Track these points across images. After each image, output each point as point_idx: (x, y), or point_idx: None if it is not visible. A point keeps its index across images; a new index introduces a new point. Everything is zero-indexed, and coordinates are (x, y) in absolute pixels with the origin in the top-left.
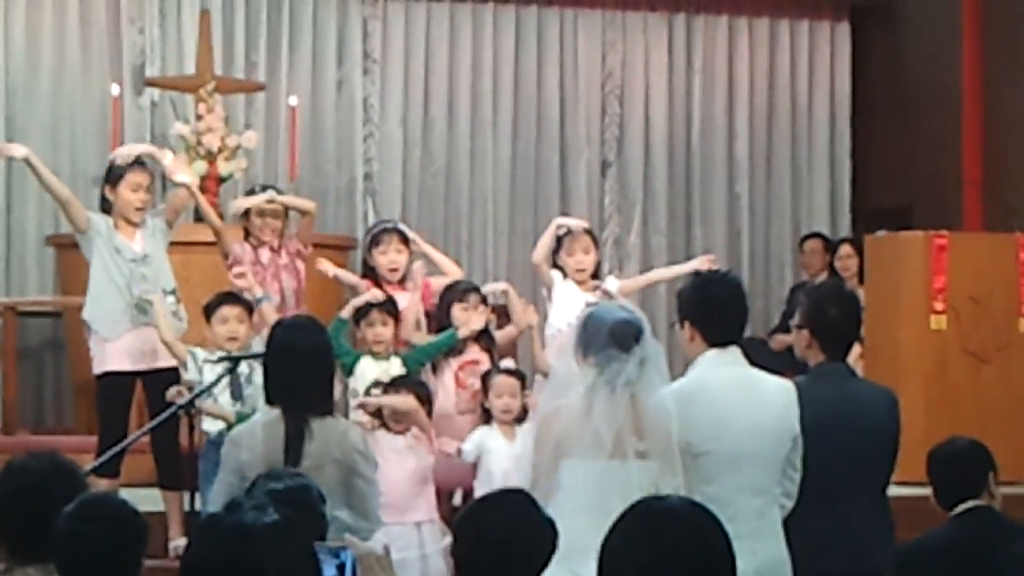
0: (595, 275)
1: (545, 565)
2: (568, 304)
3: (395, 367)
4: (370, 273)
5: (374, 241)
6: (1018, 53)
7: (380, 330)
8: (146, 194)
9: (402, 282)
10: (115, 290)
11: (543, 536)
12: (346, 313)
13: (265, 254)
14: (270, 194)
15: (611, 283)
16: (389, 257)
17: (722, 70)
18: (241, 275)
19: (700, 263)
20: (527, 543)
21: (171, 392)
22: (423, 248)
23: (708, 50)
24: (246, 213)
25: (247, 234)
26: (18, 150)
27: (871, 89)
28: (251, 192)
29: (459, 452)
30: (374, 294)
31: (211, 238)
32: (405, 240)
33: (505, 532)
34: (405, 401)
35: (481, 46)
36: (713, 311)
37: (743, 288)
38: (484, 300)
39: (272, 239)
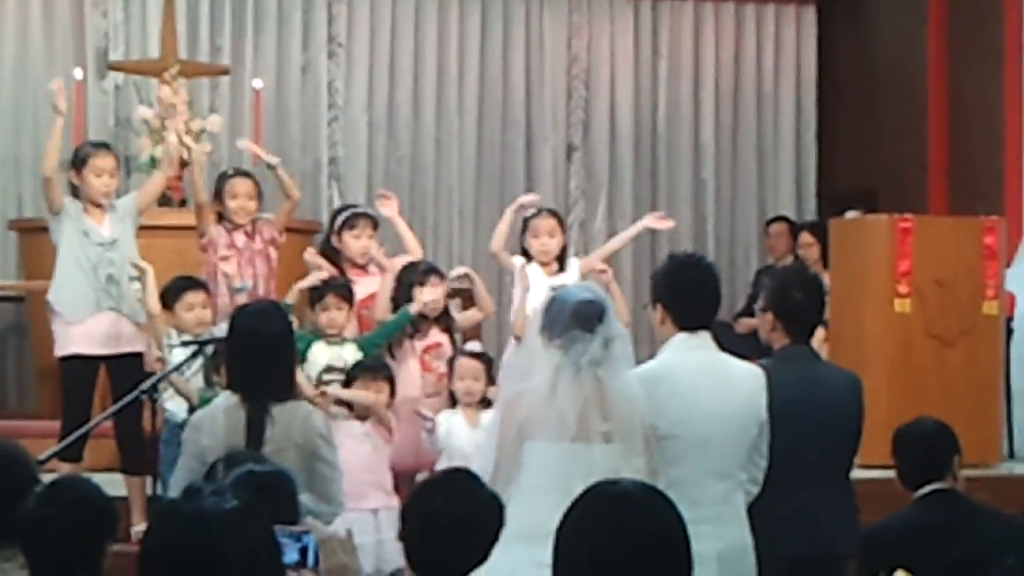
0: (560, 259)
1: (494, 541)
2: (533, 289)
3: (349, 352)
4: (331, 254)
5: (348, 224)
6: (983, 38)
7: (334, 314)
8: (111, 178)
9: (364, 267)
10: (81, 273)
11: (489, 513)
12: (291, 298)
13: (240, 238)
14: (277, 160)
15: (572, 264)
16: (362, 242)
17: (688, 55)
18: (226, 259)
19: (650, 221)
20: (474, 522)
21: (149, 358)
22: (397, 225)
23: (674, 35)
24: (219, 194)
25: (220, 217)
26: (61, 100)
27: (837, 74)
28: (223, 176)
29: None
30: (319, 274)
31: (174, 222)
32: (375, 226)
33: (451, 513)
34: (366, 396)
35: (447, 30)
36: (685, 296)
37: (717, 273)
38: (443, 279)
39: (246, 222)
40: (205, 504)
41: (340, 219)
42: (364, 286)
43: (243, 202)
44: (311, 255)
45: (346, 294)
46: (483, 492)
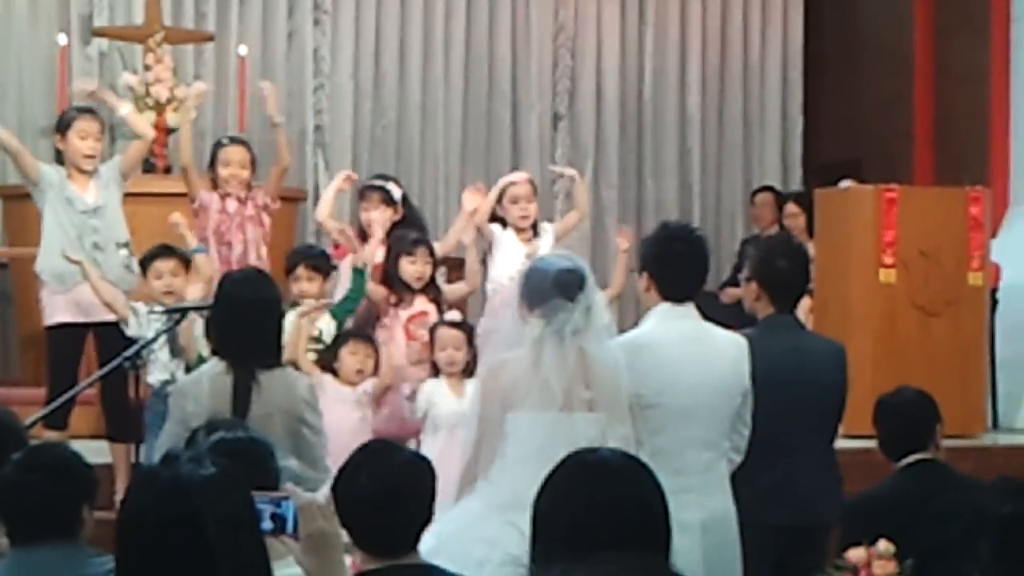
0: (534, 226)
1: (431, 502)
2: (508, 257)
3: (323, 321)
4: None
5: (360, 195)
6: (969, 9)
7: (305, 286)
8: (95, 141)
9: (386, 239)
10: (66, 242)
11: (414, 477)
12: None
13: (232, 204)
14: (282, 119)
15: (546, 228)
16: (369, 214)
17: (674, 24)
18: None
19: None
20: (401, 490)
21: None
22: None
23: (660, 4)
24: (212, 162)
25: (214, 184)
26: None
27: (823, 44)
28: (218, 143)
29: (412, 395)
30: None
31: (158, 189)
32: (389, 200)
33: (376, 486)
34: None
35: None
36: (672, 267)
37: (706, 246)
38: (431, 251)
39: (238, 190)
40: (182, 471)
41: (358, 191)
42: (377, 255)
43: (235, 170)
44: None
45: (320, 264)
46: (402, 459)
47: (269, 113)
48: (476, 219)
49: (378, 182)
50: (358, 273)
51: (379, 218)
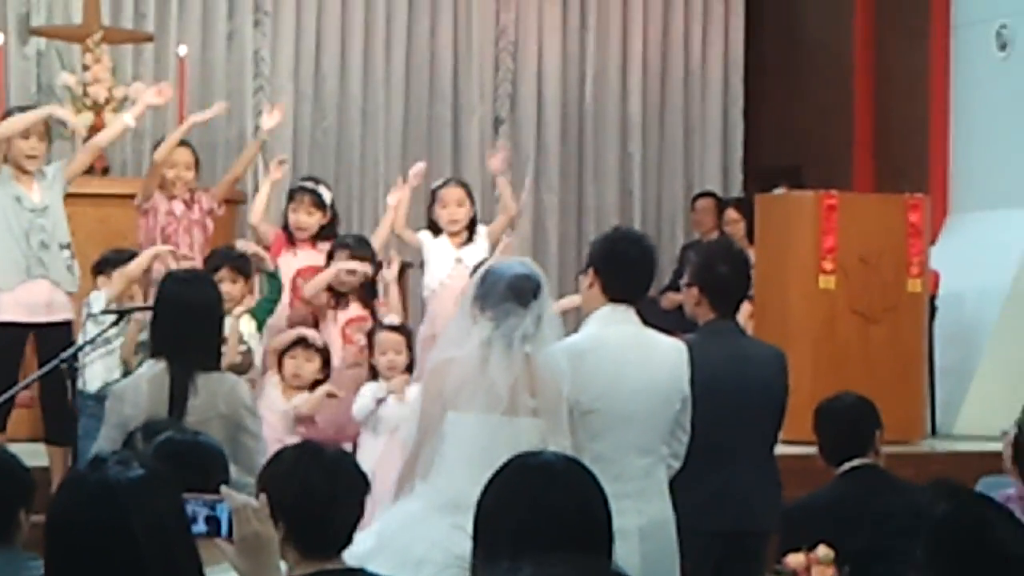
0: (470, 228)
1: (363, 495)
2: (441, 262)
3: (243, 322)
4: (286, 227)
5: (290, 196)
6: (909, 16)
7: (227, 287)
8: (39, 141)
9: (313, 241)
10: (12, 240)
11: (343, 473)
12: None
13: (179, 206)
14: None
15: (481, 232)
16: (297, 216)
17: (616, 29)
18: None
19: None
20: (331, 490)
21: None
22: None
23: (602, 8)
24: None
25: (160, 186)
26: None
27: (764, 49)
28: (158, 144)
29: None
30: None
31: (98, 191)
32: (319, 203)
33: (307, 490)
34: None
35: (374, 0)
36: (621, 268)
37: (655, 255)
38: (359, 257)
39: (182, 192)
40: (110, 473)
41: (288, 192)
42: (305, 257)
43: (180, 172)
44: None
45: (242, 266)
46: (330, 457)
47: (267, 128)
48: (395, 226)
49: (310, 184)
50: (271, 276)
51: (308, 222)
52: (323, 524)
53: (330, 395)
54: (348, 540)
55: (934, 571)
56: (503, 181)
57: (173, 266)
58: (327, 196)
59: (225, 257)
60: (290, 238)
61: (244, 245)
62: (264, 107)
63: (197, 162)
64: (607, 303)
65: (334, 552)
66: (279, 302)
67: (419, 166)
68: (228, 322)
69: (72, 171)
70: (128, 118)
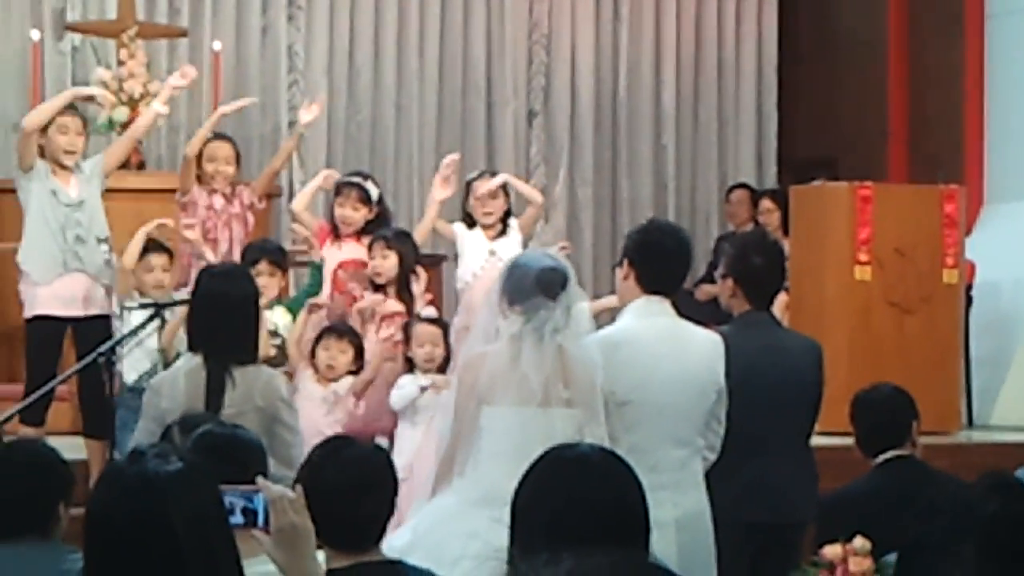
0: (504, 221)
1: (394, 492)
2: (475, 254)
3: (278, 315)
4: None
5: (336, 190)
6: (944, 6)
7: (265, 280)
8: (77, 136)
9: (358, 235)
10: (49, 234)
11: (376, 467)
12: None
13: (219, 201)
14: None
15: (513, 225)
16: (343, 211)
17: (649, 20)
18: (190, 227)
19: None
20: (365, 482)
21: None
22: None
23: (635, 0)
24: (199, 159)
25: (199, 180)
26: None
27: (798, 41)
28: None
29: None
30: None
31: (135, 186)
32: (366, 198)
33: (340, 482)
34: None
35: None
36: (655, 259)
37: (691, 247)
38: (396, 250)
39: (223, 186)
40: (148, 466)
41: (335, 186)
42: (348, 250)
43: (220, 166)
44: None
45: (279, 260)
46: (364, 450)
47: (305, 123)
48: (431, 211)
49: (356, 179)
50: (316, 268)
51: (354, 217)
52: (349, 518)
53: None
54: (381, 533)
55: (984, 565)
56: (512, 180)
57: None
58: (374, 192)
59: (263, 250)
60: (335, 231)
61: (299, 230)
62: (303, 102)
63: (238, 156)
64: (643, 295)
65: (370, 545)
66: (318, 295)
67: (451, 157)
68: (266, 314)
69: (109, 164)
70: (157, 106)
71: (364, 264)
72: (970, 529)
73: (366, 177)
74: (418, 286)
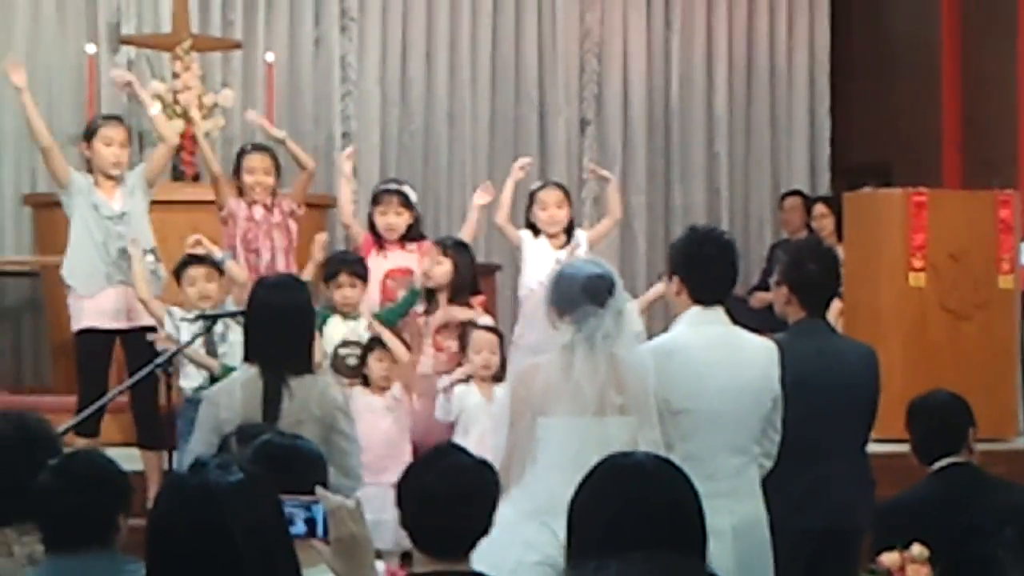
0: (568, 232)
1: (492, 510)
2: (540, 262)
3: (363, 327)
4: (372, 229)
5: (375, 200)
6: (997, 11)
7: (348, 292)
8: (120, 148)
9: (402, 242)
10: (93, 247)
11: (481, 482)
12: (307, 274)
13: (259, 211)
14: (283, 133)
15: (580, 235)
16: (387, 219)
17: (700, 28)
18: (197, 243)
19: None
20: (467, 493)
21: (158, 336)
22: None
23: (687, 8)
24: (237, 170)
25: (240, 192)
26: (17, 76)
27: (851, 48)
28: (241, 151)
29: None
30: (319, 240)
31: (189, 197)
32: (407, 203)
33: (443, 487)
34: (403, 352)
35: (459, 4)
36: (702, 269)
37: (735, 248)
38: (452, 258)
39: (263, 197)
40: (210, 477)
41: (372, 195)
42: (395, 259)
43: (260, 177)
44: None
45: (360, 271)
46: (471, 462)
47: (271, 136)
48: (497, 218)
49: (394, 186)
50: (412, 293)
51: (400, 222)
52: (450, 523)
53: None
54: (472, 545)
55: None
56: (614, 184)
57: (201, 252)
58: (413, 196)
59: (343, 262)
60: (377, 240)
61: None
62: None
63: (277, 166)
64: (695, 305)
65: (459, 554)
66: (404, 315)
67: (524, 160)
68: (351, 326)
69: (151, 172)
70: (155, 109)
71: (410, 271)
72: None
73: (400, 183)
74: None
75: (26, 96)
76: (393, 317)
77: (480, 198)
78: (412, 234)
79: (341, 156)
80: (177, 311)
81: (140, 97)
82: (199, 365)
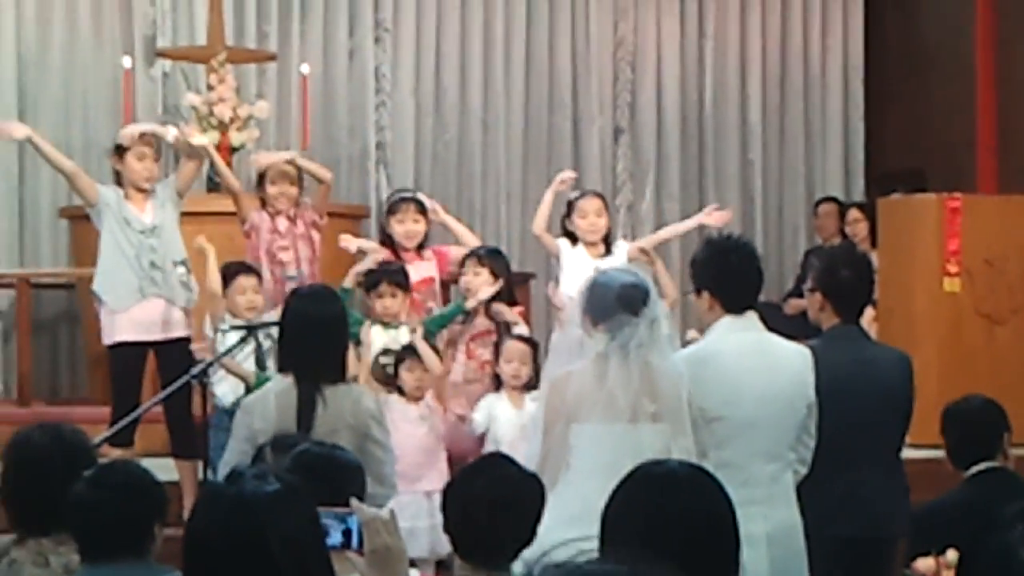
0: (606, 240)
1: (537, 520)
2: (578, 271)
3: (404, 336)
4: (388, 241)
5: (391, 210)
6: None
7: (389, 302)
8: (152, 163)
9: (419, 251)
10: (124, 261)
11: (528, 492)
12: (349, 282)
13: (282, 223)
14: (292, 154)
15: (620, 246)
16: (406, 227)
17: (734, 36)
18: (284, 248)
19: (705, 217)
20: (513, 502)
21: (201, 346)
22: (443, 218)
23: (720, 16)
24: (260, 181)
25: (263, 203)
26: (19, 131)
27: (884, 54)
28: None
29: (468, 420)
30: (375, 256)
31: (223, 208)
32: (423, 210)
33: (490, 495)
34: (436, 363)
35: (493, 14)
36: (729, 279)
37: (756, 253)
38: (489, 267)
39: (287, 208)
40: (246, 487)
41: (386, 205)
42: (417, 270)
43: (283, 188)
44: (346, 240)
45: (401, 280)
46: (519, 473)
47: (284, 161)
48: (535, 228)
49: (409, 194)
50: (458, 306)
51: (418, 229)
52: (494, 532)
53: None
54: (515, 556)
55: None
56: (660, 267)
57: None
58: (428, 202)
59: (384, 272)
60: (394, 251)
61: (347, 243)
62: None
63: (301, 178)
64: (727, 315)
65: (502, 563)
66: (451, 323)
67: (567, 174)
68: (392, 335)
69: (181, 184)
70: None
71: (432, 280)
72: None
73: (411, 191)
74: (511, 315)
75: (35, 139)
76: (437, 327)
77: (561, 185)
78: (425, 242)
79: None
80: (228, 316)
81: (157, 133)
82: (234, 374)
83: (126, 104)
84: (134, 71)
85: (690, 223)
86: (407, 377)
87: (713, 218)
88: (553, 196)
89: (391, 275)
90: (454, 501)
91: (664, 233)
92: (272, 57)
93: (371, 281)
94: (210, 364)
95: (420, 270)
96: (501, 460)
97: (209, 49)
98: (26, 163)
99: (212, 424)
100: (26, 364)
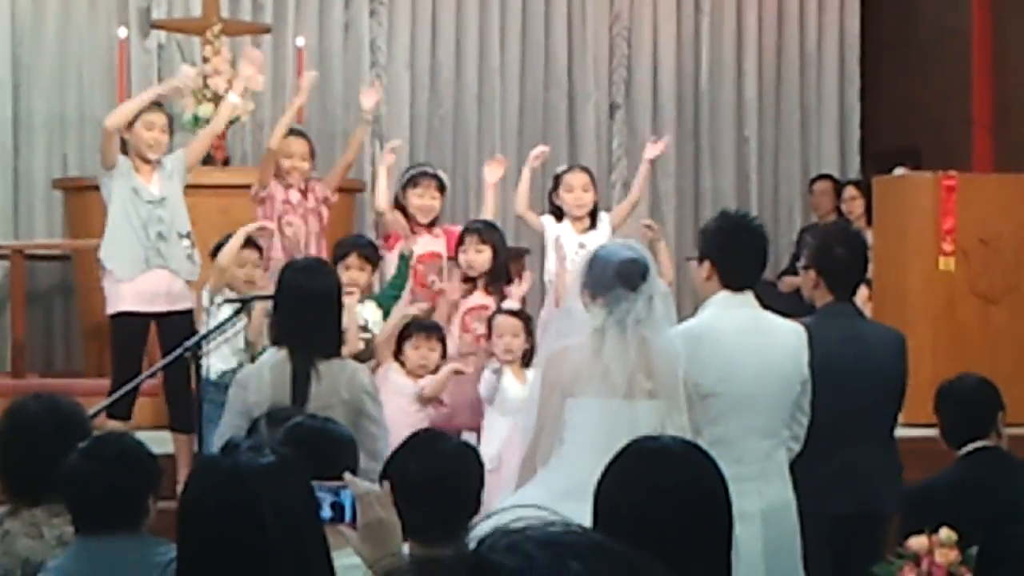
0: (592, 214)
1: (479, 491)
2: (563, 246)
3: (368, 310)
4: (401, 212)
5: (412, 182)
6: None
7: (355, 274)
8: (161, 133)
9: (430, 227)
10: (131, 231)
11: (461, 466)
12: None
13: (294, 195)
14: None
15: (603, 219)
16: (424, 201)
17: (730, 12)
18: (291, 224)
19: (648, 152)
20: (448, 478)
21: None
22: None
23: None
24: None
25: (276, 175)
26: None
27: (880, 30)
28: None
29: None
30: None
31: (218, 181)
32: (442, 187)
33: (423, 474)
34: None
35: None
36: (734, 255)
37: (766, 237)
38: (485, 240)
39: (299, 181)
40: (241, 459)
41: (405, 176)
42: (423, 244)
43: (297, 162)
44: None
45: (371, 254)
46: (452, 446)
47: (366, 108)
48: (517, 208)
49: (431, 169)
50: (403, 260)
51: (434, 206)
52: (437, 510)
53: (457, 372)
54: (463, 528)
55: None
56: (664, 247)
57: (262, 242)
58: (447, 180)
59: (354, 244)
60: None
61: (397, 222)
62: (362, 88)
63: (313, 152)
64: (724, 290)
65: (449, 539)
66: (404, 288)
67: (540, 149)
68: (358, 309)
69: (191, 159)
70: (232, 96)
71: (439, 256)
72: None
73: (430, 167)
74: (519, 288)
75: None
76: (395, 291)
77: (492, 175)
78: (437, 220)
79: (386, 147)
80: (226, 292)
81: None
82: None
83: (120, 76)
84: (129, 43)
85: (643, 169)
86: (412, 354)
87: (657, 148)
88: (530, 173)
89: (362, 248)
90: (396, 486)
91: (633, 194)
92: (267, 29)
93: (340, 252)
94: (203, 337)
95: (427, 244)
96: (431, 437)
97: (204, 21)
98: (20, 135)
99: (205, 397)
100: (20, 336)
